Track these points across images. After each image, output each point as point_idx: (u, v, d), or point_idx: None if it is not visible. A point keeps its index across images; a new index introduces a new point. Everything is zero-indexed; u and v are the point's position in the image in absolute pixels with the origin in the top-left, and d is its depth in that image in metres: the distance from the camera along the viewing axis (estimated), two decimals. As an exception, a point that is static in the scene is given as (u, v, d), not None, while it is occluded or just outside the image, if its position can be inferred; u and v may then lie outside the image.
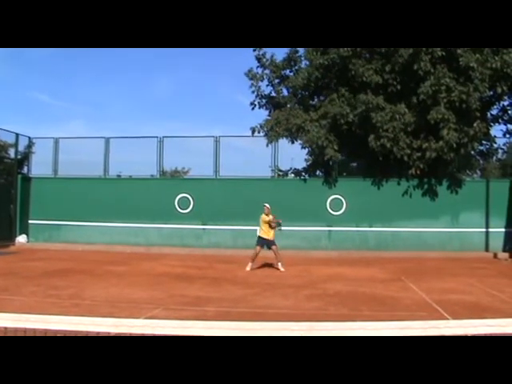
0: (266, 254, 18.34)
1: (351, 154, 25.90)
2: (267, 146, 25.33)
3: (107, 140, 27.56)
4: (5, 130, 26.98)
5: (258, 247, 18.17)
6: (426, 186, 24.75)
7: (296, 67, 26.88)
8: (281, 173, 26.89)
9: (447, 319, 9.07)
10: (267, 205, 18.51)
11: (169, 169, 31.71)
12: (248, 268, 17.74)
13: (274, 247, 18.13)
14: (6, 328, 3.64)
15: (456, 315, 9.43)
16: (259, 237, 18.28)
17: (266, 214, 18.30)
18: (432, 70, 22.31)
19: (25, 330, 3.58)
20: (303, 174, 27.16)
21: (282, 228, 18.84)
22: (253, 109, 27.14)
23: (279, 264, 17.92)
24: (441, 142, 22.37)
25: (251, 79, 26.64)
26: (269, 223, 18.14)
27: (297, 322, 3.59)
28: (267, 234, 18.13)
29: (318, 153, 24.91)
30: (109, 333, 3.57)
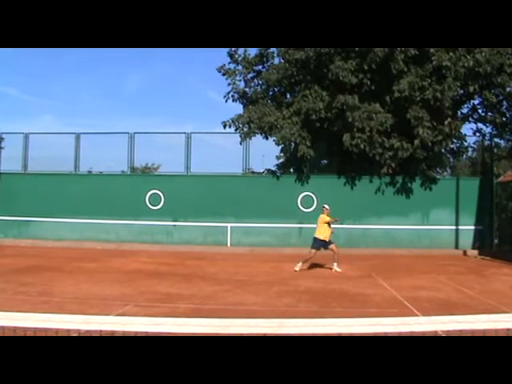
0: (235, 251, 18.29)
1: (324, 150, 25.96)
2: (240, 144, 25.35)
3: (78, 136, 27.36)
4: (-27, 124, 26.70)
5: (314, 250, 17.44)
6: (397, 184, 24.91)
7: (268, 63, 26.92)
8: (253, 175, 26.89)
9: (417, 316, 9.15)
10: (327, 206, 18.09)
11: (139, 165, 31.58)
12: (297, 268, 16.90)
13: (332, 246, 17.47)
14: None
15: (426, 312, 9.50)
16: (316, 238, 17.63)
17: (327, 215, 17.77)
18: (405, 69, 22.48)
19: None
20: (275, 171, 27.17)
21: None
22: (226, 101, 27.11)
23: (335, 264, 17.17)
24: (416, 141, 22.55)
25: (224, 75, 26.64)
26: (328, 223, 17.66)
27: (267, 318, 3.61)
28: (324, 234, 17.54)
29: (291, 150, 24.98)
30: (79, 330, 3.56)
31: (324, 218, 17.72)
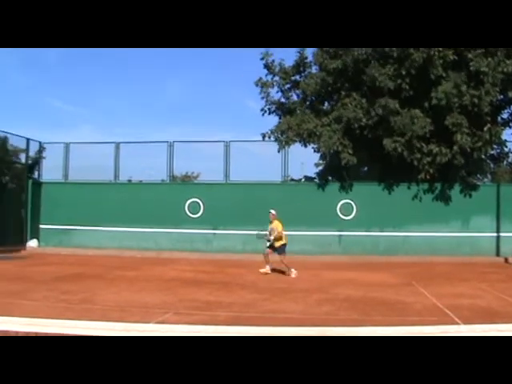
0: (274, 259, 18.26)
1: (363, 158, 25.84)
2: (278, 151, 25.35)
3: (117, 145, 27.63)
4: (16, 134, 27.13)
5: (283, 255, 18.22)
6: (436, 191, 24.70)
7: (305, 73, 26.89)
8: (292, 182, 26.88)
9: (458, 324, 9.05)
10: (273, 211, 18.91)
11: (179, 174, 31.74)
12: (293, 275, 17.58)
13: (269, 251, 18.38)
14: (17, 332, 3.68)
15: (467, 320, 9.38)
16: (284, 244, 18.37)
17: (270, 222, 18.60)
18: (443, 75, 22.30)
19: (36, 333, 3.61)
20: (314, 179, 27.12)
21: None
22: (263, 115, 27.15)
23: (268, 267, 18.22)
24: (455, 147, 22.36)
25: (261, 87, 26.66)
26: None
27: (307, 326, 3.60)
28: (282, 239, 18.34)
29: (333, 158, 24.90)
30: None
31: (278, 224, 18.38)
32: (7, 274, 16.98)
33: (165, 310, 10.78)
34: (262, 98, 26.82)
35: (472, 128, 22.37)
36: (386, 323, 9.12)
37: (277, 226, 18.39)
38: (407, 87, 23.20)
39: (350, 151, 23.96)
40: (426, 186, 24.60)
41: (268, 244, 18.41)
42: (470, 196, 24.58)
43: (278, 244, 18.21)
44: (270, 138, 25.42)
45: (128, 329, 3.43)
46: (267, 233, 18.60)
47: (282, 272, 18.09)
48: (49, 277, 16.23)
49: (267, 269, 18.14)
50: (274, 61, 26.63)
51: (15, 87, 68.46)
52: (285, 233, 18.57)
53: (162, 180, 27.61)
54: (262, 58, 26.40)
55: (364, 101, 23.79)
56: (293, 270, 17.76)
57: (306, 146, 25.45)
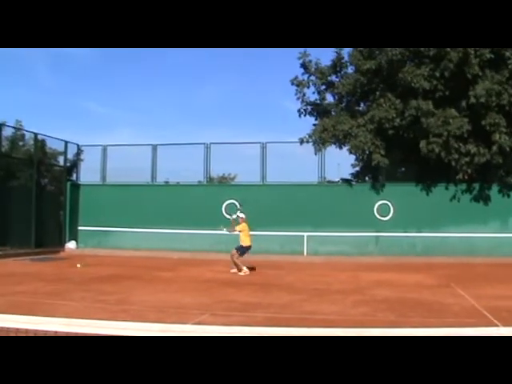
0: (311, 260, 18.19)
1: (398, 158, 25.67)
2: (315, 154, 25.30)
3: (154, 147, 27.82)
4: (54, 137, 27.47)
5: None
6: (474, 191, 24.42)
7: (342, 72, 26.76)
8: (328, 183, 26.81)
9: (497, 326, 8.91)
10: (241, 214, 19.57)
11: (216, 175, 31.83)
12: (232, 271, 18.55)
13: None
14: (56, 332, 3.67)
15: (506, 322, 9.24)
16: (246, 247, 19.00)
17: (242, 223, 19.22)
18: (480, 74, 22.04)
19: (75, 334, 3.61)
20: (350, 180, 27.03)
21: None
22: (300, 116, 27.08)
23: (245, 268, 18.65)
24: (494, 147, 22.09)
25: (297, 86, 26.56)
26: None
27: (344, 328, 3.55)
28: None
29: (365, 158, 24.81)
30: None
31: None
32: (47, 275, 17.19)
33: (202, 311, 10.80)
34: (298, 98, 26.77)
35: (510, 127, 22.07)
36: (423, 325, 9.01)
37: (243, 228, 19.02)
38: (443, 87, 22.98)
39: (382, 152, 23.82)
40: (464, 186, 24.36)
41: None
42: (509, 196, 24.24)
43: (241, 243, 18.82)
44: (307, 142, 25.32)
45: (165, 329, 3.41)
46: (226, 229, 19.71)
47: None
48: (87, 278, 16.40)
49: (244, 269, 18.59)
50: (310, 60, 26.54)
51: (51, 90, 69.17)
52: (323, 234, 18.55)
53: (199, 182, 27.71)
54: (300, 58, 26.32)
55: (398, 101, 23.59)
56: (245, 268, 18.56)
57: (341, 148, 25.34)
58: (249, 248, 18.79)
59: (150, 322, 4.41)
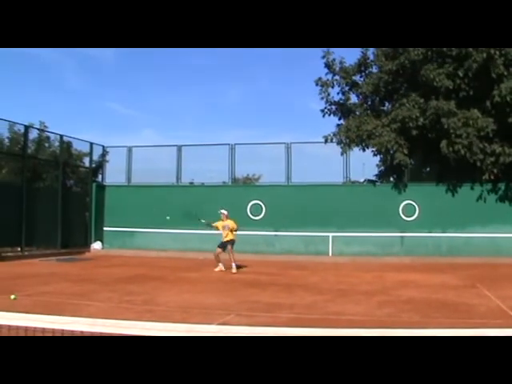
0: (336, 260, 18.13)
1: (423, 158, 25.56)
2: (342, 155, 25.28)
3: (179, 148, 27.95)
4: (80, 139, 27.75)
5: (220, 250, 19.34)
6: (500, 191, 24.23)
7: (366, 72, 26.67)
8: (353, 184, 26.77)
9: (524, 327, 8.83)
10: (224, 211, 19.95)
11: (240, 176, 31.88)
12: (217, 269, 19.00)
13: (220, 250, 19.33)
14: (82, 332, 3.72)
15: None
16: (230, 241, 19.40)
17: (222, 220, 19.62)
18: (505, 73, 21.88)
19: (100, 334, 3.65)
20: (375, 180, 26.97)
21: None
22: (323, 116, 27.04)
23: (220, 265, 19.16)
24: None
25: (321, 86, 26.50)
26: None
27: (368, 328, 3.55)
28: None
29: (388, 158, 24.73)
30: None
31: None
32: (72, 275, 17.33)
33: (227, 311, 10.84)
34: (322, 98, 26.72)
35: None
36: (448, 325, 8.96)
37: (233, 223, 19.53)
38: (466, 87, 22.86)
39: (405, 151, 23.72)
40: (489, 186, 24.18)
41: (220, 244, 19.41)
42: (537, 196, 24.03)
43: (225, 239, 19.20)
44: (332, 140, 25.30)
45: (190, 330, 3.43)
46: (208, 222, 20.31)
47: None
48: (112, 278, 16.51)
49: (220, 266, 19.14)
50: (334, 60, 26.47)
51: (77, 92, 69.77)
52: (348, 234, 18.53)
53: (224, 182, 27.76)
54: (323, 57, 26.29)
55: (421, 101, 23.48)
56: (220, 264, 19.05)
57: (364, 150, 25.28)
58: (229, 242, 19.21)
59: (176, 322, 4.44)
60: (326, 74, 26.74)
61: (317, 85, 26.65)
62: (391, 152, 24.11)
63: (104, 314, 9.39)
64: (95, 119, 71.93)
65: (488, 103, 22.65)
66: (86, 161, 28.90)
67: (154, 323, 3.74)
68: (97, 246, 27.38)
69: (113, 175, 29.11)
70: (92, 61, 67.03)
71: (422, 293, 13.88)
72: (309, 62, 55.10)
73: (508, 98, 21.66)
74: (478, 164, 22.88)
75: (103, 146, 29.44)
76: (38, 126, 27.69)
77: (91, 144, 28.21)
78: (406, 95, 24.38)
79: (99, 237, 27.70)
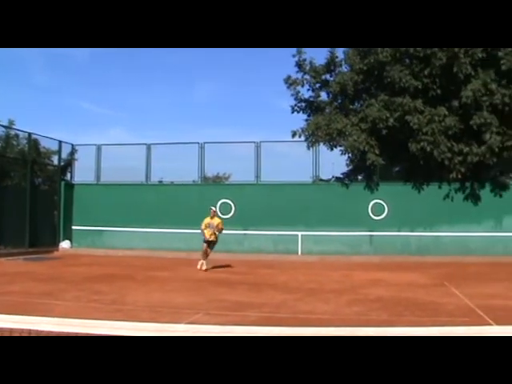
0: (306, 259, 18.17)
1: (392, 158, 25.76)
2: (308, 148, 25.31)
3: (149, 146, 27.82)
4: (48, 137, 27.48)
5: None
6: (468, 190, 24.47)
7: (336, 71, 26.83)
8: (322, 182, 26.86)
9: (491, 325, 8.95)
10: (213, 208, 20.12)
11: (210, 175, 31.85)
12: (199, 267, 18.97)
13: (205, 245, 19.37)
14: (49, 332, 3.69)
15: (500, 321, 9.28)
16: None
17: (211, 218, 19.59)
18: (473, 73, 22.13)
19: (68, 334, 3.62)
20: (344, 179, 27.08)
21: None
22: (292, 112, 27.15)
23: (204, 262, 19.12)
24: (483, 147, 22.18)
25: (291, 85, 26.64)
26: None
27: (337, 327, 3.57)
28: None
29: (359, 158, 24.88)
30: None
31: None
32: (40, 274, 17.17)
33: (195, 310, 10.81)
34: (292, 95, 26.87)
35: (503, 127, 22.15)
36: (416, 324, 9.03)
37: (218, 223, 19.42)
38: (434, 86, 23.10)
39: (377, 151, 23.90)
40: (457, 185, 24.42)
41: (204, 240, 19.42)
42: (503, 195, 24.30)
43: (208, 238, 19.21)
44: (300, 136, 25.43)
45: (159, 329, 3.41)
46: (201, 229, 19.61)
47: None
48: (80, 277, 16.39)
49: (201, 264, 19.05)
50: (305, 59, 26.61)
51: (45, 89, 69.16)
52: (317, 233, 18.59)
53: (193, 181, 27.70)
54: (294, 56, 26.39)
55: (389, 101, 23.66)
56: (204, 262, 19.08)
57: (332, 150, 25.43)
58: (211, 242, 19.36)
59: (144, 321, 4.43)
60: (297, 72, 26.89)
61: (286, 83, 26.76)
62: (361, 150, 24.20)
63: (72, 314, 9.31)
64: (64, 117, 71.35)
65: (456, 103, 22.88)
66: (55, 159, 28.63)
67: (122, 322, 3.72)
68: (65, 244, 27.15)
69: (82, 174, 28.88)
70: (61, 58, 66.49)
71: (390, 291, 13.96)
72: (278, 60, 55.18)
73: (473, 99, 21.93)
74: (446, 163, 23.10)
75: (72, 145, 29.20)
76: (5, 124, 27.39)
77: (60, 142, 27.96)
78: (374, 95, 24.57)
79: (68, 236, 27.48)
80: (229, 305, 11.73)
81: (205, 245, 19.11)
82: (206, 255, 19.01)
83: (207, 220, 19.40)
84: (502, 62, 21.79)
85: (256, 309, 11.27)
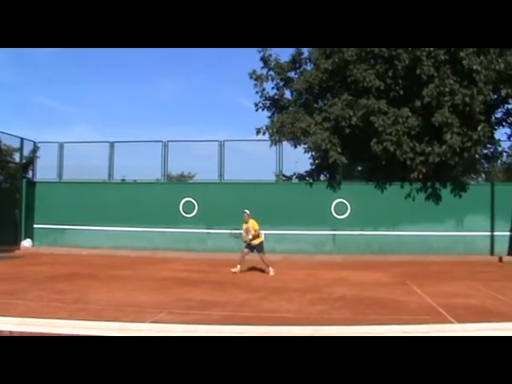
0: (269, 258, 18.19)
1: (355, 157, 25.93)
2: (270, 146, 25.33)
3: (112, 144, 27.61)
4: (10, 134, 27.10)
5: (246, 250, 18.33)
6: (429, 190, 24.74)
7: (301, 69, 26.96)
8: (284, 178, 26.94)
9: (452, 323, 9.06)
10: (247, 211, 18.63)
11: (175, 173, 31.77)
12: (271, 273, 17.72)
13: (245, 250, 18.40)
14: (11, 332, 3.67)
15: (461, 319, 9.40)
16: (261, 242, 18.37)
17: (245, 223, 18.38)
18: (435, 74, 22.37)
19: (30, 334, 3.60)
20: (307, 178, 27.17)
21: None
22: (257, 110, 27.24)
23: (239, 267, 18.18)
24: (444, 147, 22.43)
25: (255, 80, 26.69)
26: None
27: (301, 326, 3.60)
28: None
29: (321, 156, 25.00)
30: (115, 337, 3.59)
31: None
32: (1, 274, 16.94)
33: (159, 309, 10.76)
34: (257, 92, 26.95)
35: (464, 127, 22.43)
36: (379, 322, 9.11)
37: (253, 224, 18.29)
38: (397, 87, 23.33)
39: (339, 150, 24.03)
40: (419, 185, 24.67)
41: (245, 244, 18.40)
42: (464, 195, 24.61)
43: (255, 242, 18.18)
44: (264, 134, 25.49)
45: (122, 328, 3.42)
46: (242, 232, 18.63)
47: (262, 270, 18.07)
48: (42, 276, 16.20)
49: (238, 268, 18.09)
50: (270, 55, 26.69)
51: (5, 85, 68.28)
52: (281, 232, 18.55)
53: (157, 179, 27.58)
54: (260, 51, 26.46)
55: (353, 100, 23.83)
56: (271, 268, 17.89)
57: (295, 147, 25.50)
58: (254, 245, 18.32)
59: (107, 320, 4.42)
60: (262, 68, 26.98)
61: (251, 78, 26.80)
62: (323, 148, 24.29)
63: (34, 313, 9.23)
64: (27, 114, 70.59)
65: (418, 103, 23.11)
66: (17, 156, 28.31)
67: (85, 322, 3.72)
68: (27, 243, 26.84)
69: (44, 171, 28.54)
70: (23, 54, 65.80)
71: (353, 290, 14.03)
72: (243, 59, 55.16)
73: (434, 99, 22.19)
74: (408, 163, 23.32)
75: (34, 142, 28.88)
76: (-36, 120, 27.04)
77: (22, 139, 27.62)
78: (338, 94, 24.71)
79: (29, 234, 27.17)
80: (192, 304, 11.70)
81: (246, 250, 18.35)
82: (243, 258, 18.31)
83: (245, 226, 18.49)
84: (463, 62, 22.05)
85: (219, 307, 11.25)
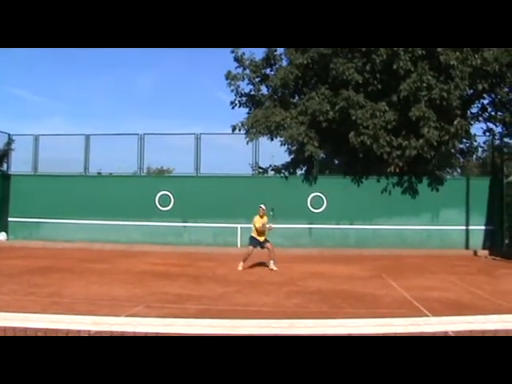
0: (245, 252, 18.17)
1: (332, 151, 25.99)
2: (247, 143, 25.38)
3: (87, 137, 27.44)
4: (-17, 126, 26.81)
5: (251, 247, 17.80)
6: (405, 184, 24.86)
7: (276, 66, 26.97)
8: (260, 170, 26.96)
9: (427, 316, 9.12)
10: (263, 206, 18.16)
11: (153, 167, 31.69)
12: (240, 268, 17.27)
13: (268, 245, 17.82)
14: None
15: (436, 312, 9.46)
16: (252, 237, 17.94)
17: (261, 216, 17.92)
18: (412, 69, 22.48)
19: (4, 328, 3.57)
20: (283, 171, 27.20)
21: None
22: (233, 108, 27.27)
23: (271, 262, 17.60)
24: (421, 140, 22.56)
25: (231, 80, 26.69)
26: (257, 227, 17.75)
27: (277, 319, 3.61)
28: (258, 235, 17.79)
29: (298, 149, 25.04)
30: (89, 331, 3.57)
31: (254, 220, 17.91)
32: (-27, 268, 16.81)
33: (135, 303, 10.74)
34: (232, 90, 26.93)
35: (440, 122, 22.56)
36: (355, 315, 9.15)
37: (257, 220, 17.90)
38: (375, 81, 23.42)
39: (316, 143, 24.06)
40: (395, 179, 24.78)
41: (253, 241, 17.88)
42: (440, 189, 24.77)
43: (263, 238, 17.89)
44: (240, 130, 25.51)
45: (98, 322, 3.39)
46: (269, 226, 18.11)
47: (237, 265, 17.89)
48: (17, 270, 16.07)
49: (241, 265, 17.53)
50: (244, 54, 26.70)
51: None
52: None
53: (133, 173, 27.47)
54: (232, 51, 26.44)
55: (330, 94, 23.88)
56: (272, 262, 17.59)
57: (272, 140, 25.51)
58: (260, 241, 17.86)
59: (83, 314, 4.39)
60: (236, 67, 26.94)
61: (227, 78, 26.80)
62: (299, 141, 24.31)
63: (8, 307, 9.18)
64: (1, 106, 69.90)
65: (395, 97, 23.21)
66: (-10, 149, 28.09)
67: (61, 316, 3.69)
68: (1, 237, 26.62)
69: (19, 164, 28.33)
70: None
71: (329, 283, 14.09)
72: (219, 52, 55.12)
73: (412, 93, 22.33)
74: (385, 157, 23.40)
75: (9, 134, 28.61)
76: None
77: (-4, 132, 27.44)
78: (315, 88, 24.74)
79: (3, 228, 26.93)
80: (169, 297, 11.69)
81: (251, 247, 17.79)
82: (248, 256, 17.69)
83: (259, 220, 17.89)
84: (440, 57, 22.17)
85: (196, 301, 11.25)
